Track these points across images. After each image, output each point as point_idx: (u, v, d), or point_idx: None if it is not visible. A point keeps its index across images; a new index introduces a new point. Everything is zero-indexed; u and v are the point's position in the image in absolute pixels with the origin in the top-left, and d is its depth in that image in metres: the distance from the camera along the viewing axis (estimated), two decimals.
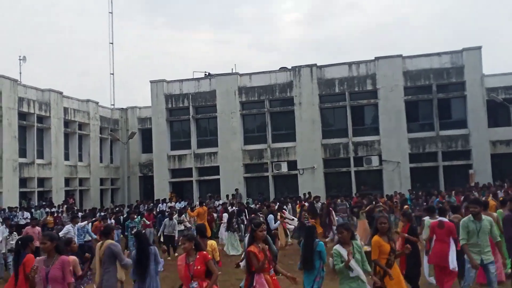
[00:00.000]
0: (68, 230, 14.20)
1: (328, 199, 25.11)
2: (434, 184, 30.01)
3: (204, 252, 7.09)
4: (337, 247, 7.13)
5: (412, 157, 30.71)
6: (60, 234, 14.19)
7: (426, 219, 10.80)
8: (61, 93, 32.95)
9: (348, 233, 7.09)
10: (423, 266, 10.44)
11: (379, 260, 7.41)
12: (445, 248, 9.30)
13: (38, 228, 15.65)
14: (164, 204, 27.20)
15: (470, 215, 8.65)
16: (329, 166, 32.00)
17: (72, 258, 7.90)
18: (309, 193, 27.78)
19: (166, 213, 20.90)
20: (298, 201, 24.52)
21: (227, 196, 30.35)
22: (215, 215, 23.28)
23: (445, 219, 9.98)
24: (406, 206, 16.86)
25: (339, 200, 22.86)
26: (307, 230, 8.60)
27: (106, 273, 8.06)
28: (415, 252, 9.59)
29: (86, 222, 15.87)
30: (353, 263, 6.88)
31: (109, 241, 8.41)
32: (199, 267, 6.88)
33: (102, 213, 23.20)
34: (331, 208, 19.40)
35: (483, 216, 8.60)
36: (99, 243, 8.35)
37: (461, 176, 29.46)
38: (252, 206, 26.28)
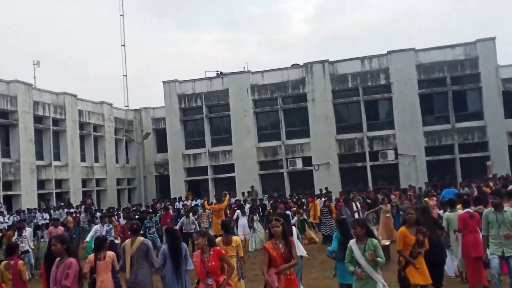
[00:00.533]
0: (96, 230, 14.35)
1: (342, 194, 25.16)
2: (452, 176, 29.76)
3: (218, 248, 7.09)
4: (351, 242, 7.10)
5: (428, 150, 30.51)
6: (90, 234, 14.40)
7: (446, 213, 10.70)
8: (75, 96, 33.26)
9: (362, 229, 6.99)
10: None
11: (403, 251, 7.39)
12: (478, 239, 9.15)
13: (61, 228, 15.88)
14: (181, 203, 27.34)
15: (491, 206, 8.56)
16: (345, 161, 31.90)
17: (107, 254, 8.27)
18: (326, 188, 27.70)
19: (182, 211, 21.06)
20: (310, 197, 24.46)
21: (243, 193, 30.41)
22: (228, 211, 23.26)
23: (471, 210, 9.90)
24: (426, 199, 16.72)
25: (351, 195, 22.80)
26: (343, 223, 8.83)
27: (141, 268, 8.12)
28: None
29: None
30: (363, 262, 6.81)
31: (141, 238, 8.52)
32: (213, 263, 6.90)
33: (120, 213, 23.36)
34: (353, 202, 19.30)
35: (505, 207, 8.41)
36: (128, 240, 8.39)
37: (479, 168, 29.16)
38: (266, 203, 26.32)
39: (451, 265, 10.55)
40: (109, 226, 15.39)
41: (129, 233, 9.42)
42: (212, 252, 6.98)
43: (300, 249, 8.53)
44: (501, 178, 24.63)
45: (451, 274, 10.54)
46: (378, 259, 6.77)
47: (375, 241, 6.94)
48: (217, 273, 6.91)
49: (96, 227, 14.82)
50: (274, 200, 25.06)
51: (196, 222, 18.15)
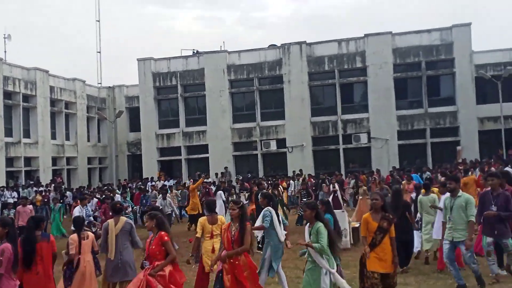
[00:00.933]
0: (78, 211, 14.09)
1: (310, 177, 25.34)
2: (422, 160, 30.18)
3: (163, 233, 6.90)
4: (306, 226, 7.14)
5: (401, 134, 30.80)
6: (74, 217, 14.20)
7: (420, 196, 10.87)
8: (47, 71, 32.47)
9: (311, 212, 6.90)
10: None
11: (365, 238, 7.34)
12: None
13: (29, 207, 15.55)
14: (153, 183, 27.06)
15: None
16: (318, 144, 32.00)
17: (88, 234, 8.18)
18: (301, 170, 27.84)
19: (149, 192, 20.97)
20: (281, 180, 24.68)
21: (216, 174, 30.30)
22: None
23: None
24: (404, 182, 17.00)
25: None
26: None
27: (125, 248, 8.04)
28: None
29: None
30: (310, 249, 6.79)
31: (125, 218, 8.43)
32: (153, 247, 6.81)
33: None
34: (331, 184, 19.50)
35: (460, 193, 8.41)
36: (111, 220, 8.23)
37: (449, 152, 29.61)
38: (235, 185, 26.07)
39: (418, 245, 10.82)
40: (87, 207, 15.18)
41: (110, 213, 9.26)
42: (157, 236, 6.88)
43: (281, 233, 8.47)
44: (471, 163, 25.09)
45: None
46: (314, 244, 6.68)
47: (318, 224, 6.79)
48: (157, 257, 6.78)
49: (77, 208, 14.54)
50: (249, 181, 25.07)
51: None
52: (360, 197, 17.39)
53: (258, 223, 8.65)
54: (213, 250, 8.05)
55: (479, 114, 30.39)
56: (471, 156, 27.88)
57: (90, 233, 8.35)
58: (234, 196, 18.97)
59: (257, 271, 7.29)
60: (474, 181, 15.64)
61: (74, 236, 8.06)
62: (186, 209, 18.19)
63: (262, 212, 8.65)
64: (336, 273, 6.85)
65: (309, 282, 6.76)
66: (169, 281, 6.68)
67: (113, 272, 7.96)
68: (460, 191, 8.51)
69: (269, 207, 8.63)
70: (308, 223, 7.04)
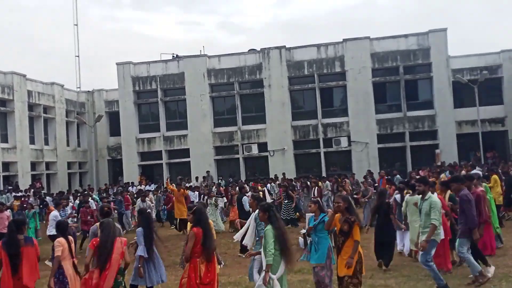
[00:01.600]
0: (56, 216, 13.81)
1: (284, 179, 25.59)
2: (402, 163, 30.61)
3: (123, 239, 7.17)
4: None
5: (380, 137, 31.19)
6: (50, 224, 13.93)
7: (406, 196, 11.04)
8: (24, 75, 32.07)
9: (264, 215, 7.08)
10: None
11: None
12: (445, 221, 9.56)
13: (6, 212, 15.33)
14: (134, 187, 26.97)
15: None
16: (299, 147, 32.21)
17: (71, 237, 8.03)
18: (283, 174, 27.99)
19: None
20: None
21: (197, 178, 30.27)
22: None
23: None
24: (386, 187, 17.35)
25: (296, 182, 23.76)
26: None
27: None
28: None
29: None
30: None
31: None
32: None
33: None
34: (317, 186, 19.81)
35: (428, 196, 8.57)
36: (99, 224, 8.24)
37: (428, 155, 30.09)
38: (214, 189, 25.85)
39: (406, 244, 11.05)
40: (65, 210, 15.09)
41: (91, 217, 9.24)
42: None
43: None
44: (450, 165, 25.48)
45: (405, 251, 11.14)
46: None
47: (267, 227, 6.92)
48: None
49: (54, 213, 14.30)
50: (228, 185, 25.08)
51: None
52: None
53: (251, 231, 8.62)
54: None
55: (457, 117, 30.96)
56: (449, 159, 28.32)
57: (70, 237, 8.31)
58: (213, 200, 18.97)
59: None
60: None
61: (61, 239, 7.95)
62: (175, 214, 18.12)
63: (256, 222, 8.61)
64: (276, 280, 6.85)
65: None
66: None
67: None
68: (429, 193, 8.64)
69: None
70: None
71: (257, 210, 8.47)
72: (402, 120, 31.22)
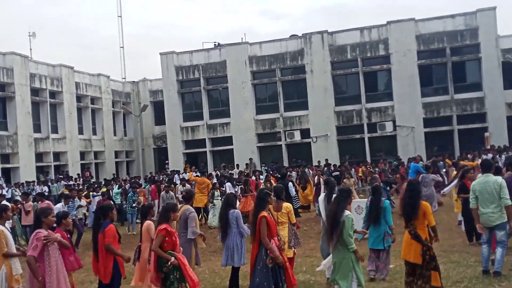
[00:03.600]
0: (57, 208, 13.81)
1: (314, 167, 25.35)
2: (449, 148, 29.84)
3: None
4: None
5: (427, 121, 30.46)
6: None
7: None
8: (72, 68, 33.02)
9: None
10: None
11: None
12: None
13: (47, 202, 15.36)
14: (181, 175, 27.30)
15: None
16: (343, 133, 31.88)
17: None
18: (326, 160, 27.79)
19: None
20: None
21: (237, 165, 30.44)
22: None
23: None
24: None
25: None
26: (375, 189, 9.09)
27: (181, 237, 8.03)
28: None
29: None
30: None
31: (187, 206, 8.56)
32: None
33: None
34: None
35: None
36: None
37: (477, 139, 29.21)
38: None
39: None
40: (73, 203, 14.90)
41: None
42: None
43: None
44: (500, 149, 24.74)
45: None
46: None
47: (347, 214, 7.03)
48: None
49: (58, 206, 14.14)
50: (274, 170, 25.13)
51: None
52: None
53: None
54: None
55: (506, 99, 29.86)
56: (499, 142, 27.44)
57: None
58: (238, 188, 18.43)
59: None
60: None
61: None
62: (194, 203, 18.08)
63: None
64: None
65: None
66: None
67: None
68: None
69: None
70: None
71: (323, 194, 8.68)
72: (449, 103, 30.36)
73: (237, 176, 22.93)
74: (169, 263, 6.82)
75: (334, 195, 8.27)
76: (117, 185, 21.89)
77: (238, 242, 8.24)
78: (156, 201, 18.81)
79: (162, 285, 6.97)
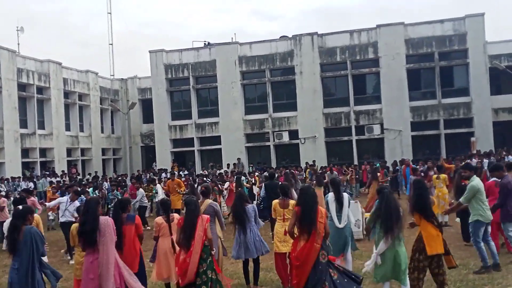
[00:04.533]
0: (61, 201, 13.36)
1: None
2: (436, 152, 30.08)
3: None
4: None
5: (414, 125, 30.68)
6: (52, 203, 14.05)
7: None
8: (60, 63, 32.75)
9: None
10: None
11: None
12: None
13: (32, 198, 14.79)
14: (168, 174, 27.22)
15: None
16: (331, 135, 31.99)
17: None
18: (314, 161, 27.87)
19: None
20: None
21: (228, 165, 30.44)
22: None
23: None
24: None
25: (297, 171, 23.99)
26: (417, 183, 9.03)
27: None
28: None
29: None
30: None
31: (210, 200, 8.71)
32: None
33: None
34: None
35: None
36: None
37: (463, 144, 29.48)
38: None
39: None
40: (81, 200, 14.17)
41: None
42: None
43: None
44: (485, 154, 25.00)
45: None
46: None
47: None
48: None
49: (63, 198, 13.30)
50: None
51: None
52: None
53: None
54: (285, 233, 8.18)
55: (493, 104, 30.16)
56: (485, 147, 27.73)
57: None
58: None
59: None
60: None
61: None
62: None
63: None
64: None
65: None
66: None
67: None
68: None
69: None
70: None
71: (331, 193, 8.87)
72: (437, 108, 30.61)
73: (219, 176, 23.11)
74: (213, 252, 7.33)
75: (345, 194, 8.84)
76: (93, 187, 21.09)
77: (258, 234, 8.66)
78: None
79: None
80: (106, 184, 22.07)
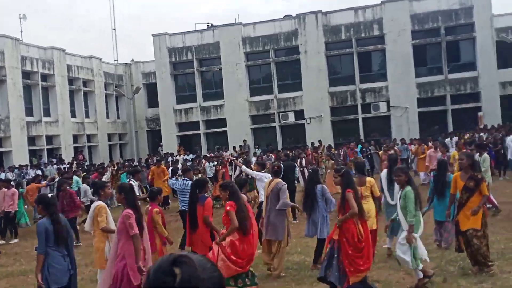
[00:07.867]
0: (86, 189, 13.88)
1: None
2: (443, 127, 29.87)
3: (228, 202, 7.21)
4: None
5: (421, 101, 30.41)
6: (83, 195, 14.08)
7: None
8: (63, 50, 32.63)
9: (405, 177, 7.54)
10: None
11: (453, 196, 8.08)
12: None
13: (12, 190, 14.40)
14: (175, 158, 27.23)
15: None
16: (337, 114, 31.80)
17: None
18: (319, 141, 27.75)
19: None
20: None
21: (234, 147, 30.40)
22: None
23: None
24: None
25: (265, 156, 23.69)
26: (441, 163, 9.45)
27: (273, 210, 8.34)
28: None
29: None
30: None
31: (278, 179, 8.66)
32: (224, 215, 7.37)
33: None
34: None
35: None
36: (267, 181, 8.84)
37: (470, 119, 29.23)
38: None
39: None
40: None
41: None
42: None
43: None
44: (493, 128, 24.79)
45: None
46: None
47: (407, 189, 7.12)
48: (226, 226, 7.28)
49: (86, 187, 14.15)
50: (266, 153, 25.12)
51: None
52: (328, 171, 17.69)
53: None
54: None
55: (500, 78, 29.80)
56: (493, 121, 27.47)
57: None
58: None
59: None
60: None
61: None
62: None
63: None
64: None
65: None
66: (231, 251, 6.88)
67: (265, 230, 8.43)
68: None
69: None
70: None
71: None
72: (443, 83, 30.29)
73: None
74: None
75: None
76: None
77: (325, 215, 8.61)
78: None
79: None
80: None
